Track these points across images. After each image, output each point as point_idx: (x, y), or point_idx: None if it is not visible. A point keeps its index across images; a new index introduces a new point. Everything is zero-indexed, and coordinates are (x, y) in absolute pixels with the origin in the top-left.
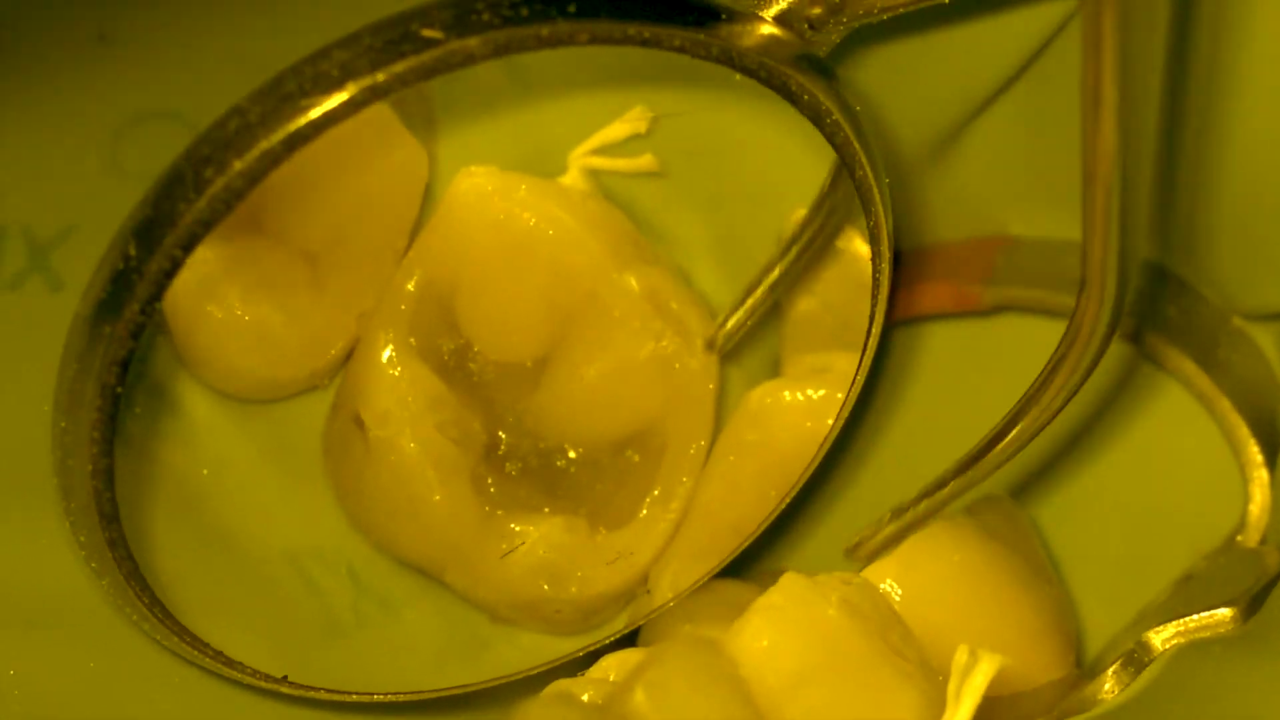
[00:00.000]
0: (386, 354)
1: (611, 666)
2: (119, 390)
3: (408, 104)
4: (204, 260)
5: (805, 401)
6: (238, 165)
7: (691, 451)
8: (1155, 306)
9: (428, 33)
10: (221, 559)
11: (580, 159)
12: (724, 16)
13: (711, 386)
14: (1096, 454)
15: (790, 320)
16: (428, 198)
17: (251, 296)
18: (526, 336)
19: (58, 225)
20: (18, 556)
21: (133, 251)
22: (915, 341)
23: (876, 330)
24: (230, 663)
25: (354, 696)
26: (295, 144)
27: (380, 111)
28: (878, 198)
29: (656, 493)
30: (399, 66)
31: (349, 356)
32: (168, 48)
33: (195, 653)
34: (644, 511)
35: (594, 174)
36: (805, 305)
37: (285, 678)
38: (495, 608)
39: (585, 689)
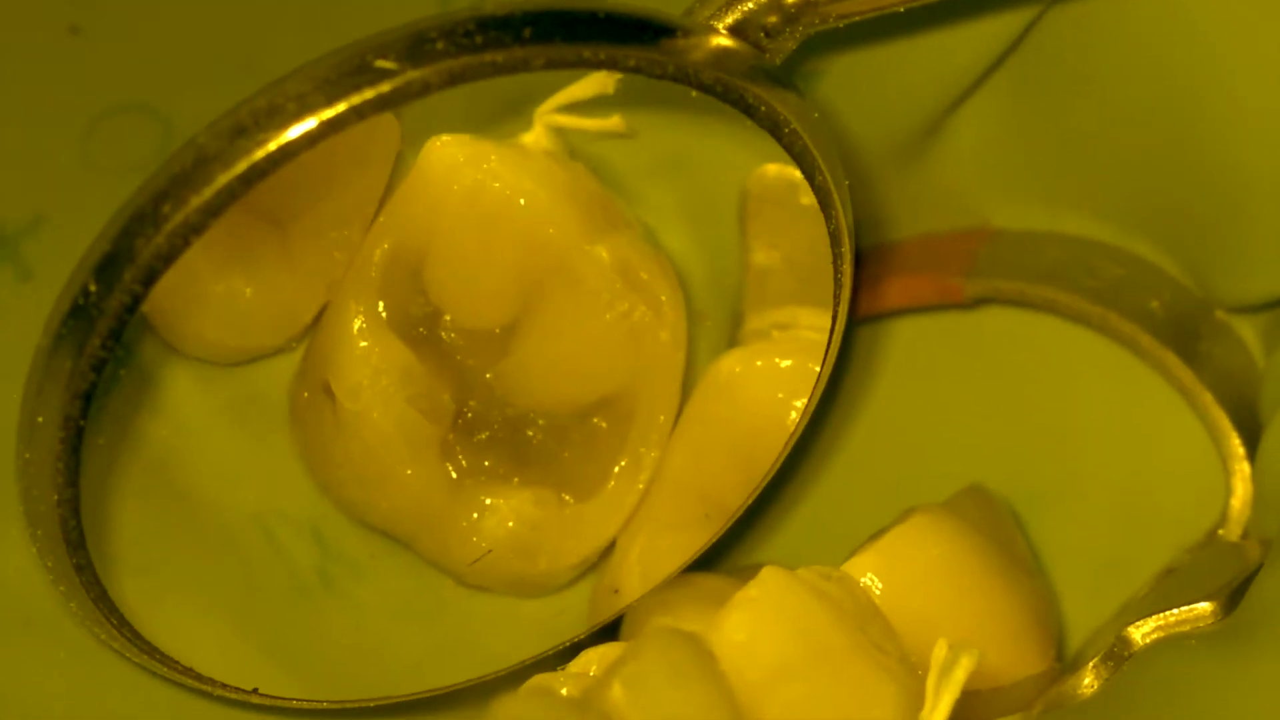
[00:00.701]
0: (357, 324)
1: (592, 660)
2: (82, 423)
3: None
4: None
5: (774, 370)
6: (195, 201)
7: (660, 420)
8: (1137, 299)
9: (382, 64)
10: (186, 521)
11: (546, 116)
12: (678, 32)
13: (681, 356)
14: (1078, 446)
15: (751, 274)
16: (398, 162)
17: (221, 267)
18: (496, 304)
19: (27, 216)
20: (10, 554)
21: (93, 288)
22: (898, 334)
23: (839, 331)
24: (200, 678)
25: (325, 704)
26: (252, 178)
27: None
28: (837, 202)
29: (624, 463)
30: (355, 99)
31: (317, 321)
32: (140, 41)
33: (166, 669)
34: (611, 483)
35: (560, 132)
36: (765, 259)
37: (255, 690)
38: (463, 575)
39: (564, 683)
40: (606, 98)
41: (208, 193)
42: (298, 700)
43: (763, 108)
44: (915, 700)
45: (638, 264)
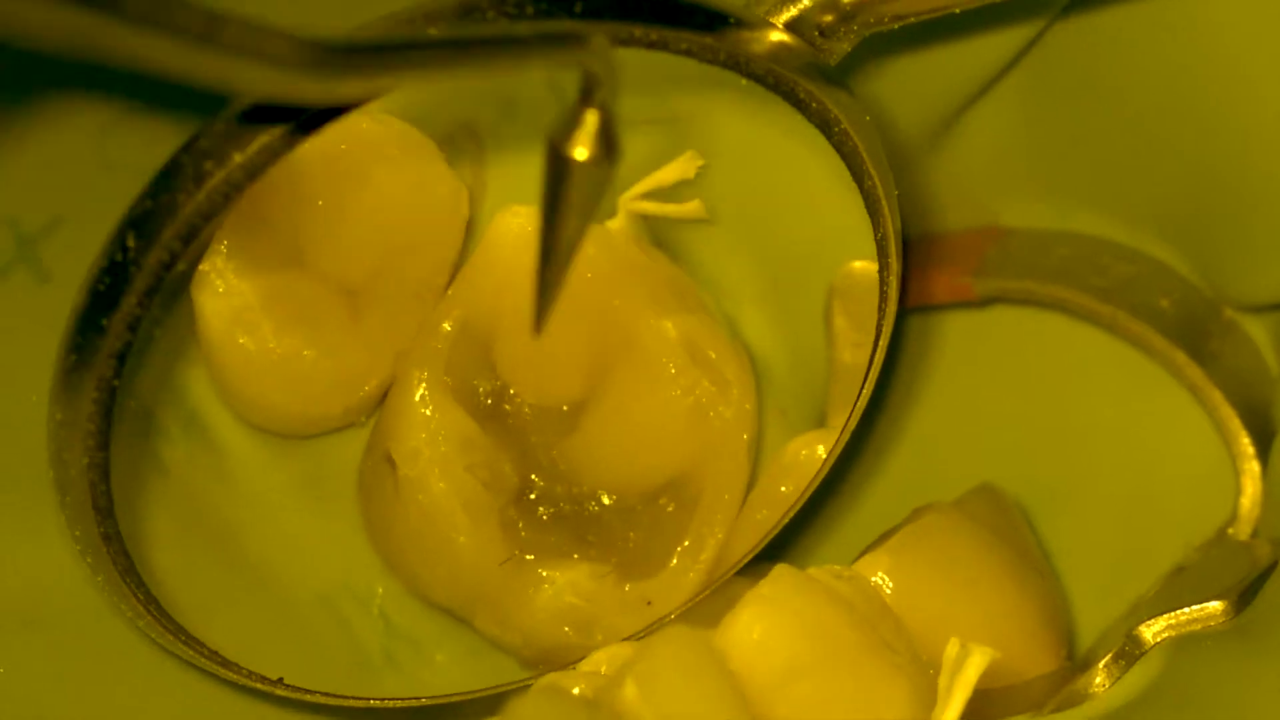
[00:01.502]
0: (420, 393)
1: (603, 660)
2: (116, 383)
3: (457, 140)
4: (240, 292)
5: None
6: (237, 158)
7: (725, 500)
8: (1147, 298)
9: (432, 31)
10: (253, 594)
11: (629, 203)
12: (733, 22)
13: (746, 436)
14: (1089, 446)
15: (836, 372)
16: (471, 235)
17: (285, 330)
18: (563, 380)
19: (45, 217)
20: (11, 554)
21: (131, 243)
22: (909, 333)
23: (884, 340)
24: (226, 663)
25: (350, 700)
26: (296, 137)
27: (419, 147)
28: (886, 209)
29: (687, 543)
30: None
31: (385, 395)
32: None
33: (191, 651)
34: (674, 561)
35: (642, 219)
36: (850, 357)
37: (281, 679)
38: (521, 652)
39: (576, 682)
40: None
41: (250, 150)
42: (321, 694)
43: (814, 104)
44: (927, 699)
45: (705, 342)
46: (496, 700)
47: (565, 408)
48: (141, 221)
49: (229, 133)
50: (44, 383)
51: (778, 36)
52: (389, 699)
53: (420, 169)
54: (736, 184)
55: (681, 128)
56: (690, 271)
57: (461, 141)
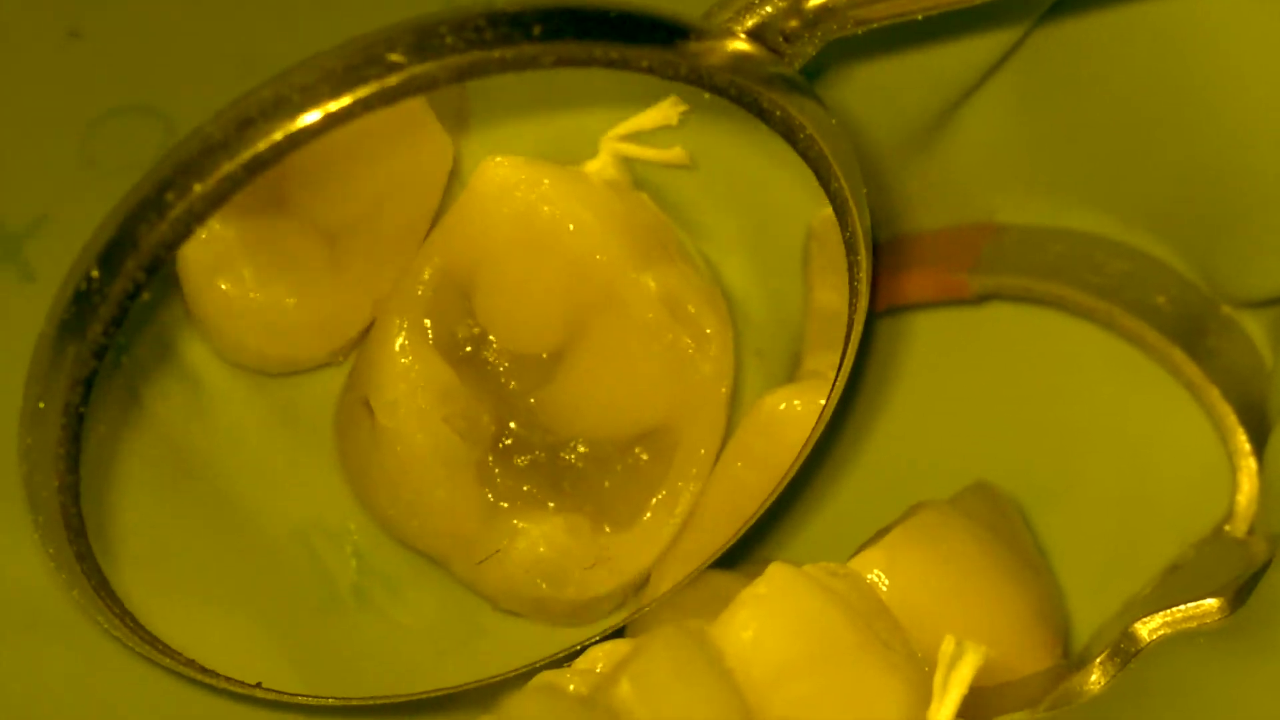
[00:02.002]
0: (399, 342)
1: (599, 657)
2: (83, 410)
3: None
4: (220, 237)
5: (818, 410)
6: (198, 189)
7: (701, 454)
8: (1143, 295)
9: (391, 57)
10: (225, 530)
11: (611, 143)
12: (692, 35)
13: (724, 390)
14: (1084, 442)
15: (813, 314)
16: (455, 181)
17: (265, 276)
18: (542, 329)
19: (30, 216)
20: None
21: (95, 274)
22: (904, 330)
23: (855, 338)
24: (203, 670)
25: (330, 700)
26: (256, 168)
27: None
28: (853, 209)
29: (662, 495)
30: (361, 91)
31: (364, 337)
32: (139, 42)
33: (169, 660)
34: (648, 515)
35: (625, 161)
36: (827, 299)
37: (259, 684)
38: (496, 599)
39: (571, 680)
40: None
41: (211, 181)
42: (302, 696)
43: (778, 113)
44: (922, 696)
45: (685, 296)
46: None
47: (544, 355)
48: (105, 252)
49: (189, 163)
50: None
51: (739, 45)
52: (368, 698)
53: (405, 117)
54: (714, 131)
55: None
56: (669, 213)
57: (445, 90)
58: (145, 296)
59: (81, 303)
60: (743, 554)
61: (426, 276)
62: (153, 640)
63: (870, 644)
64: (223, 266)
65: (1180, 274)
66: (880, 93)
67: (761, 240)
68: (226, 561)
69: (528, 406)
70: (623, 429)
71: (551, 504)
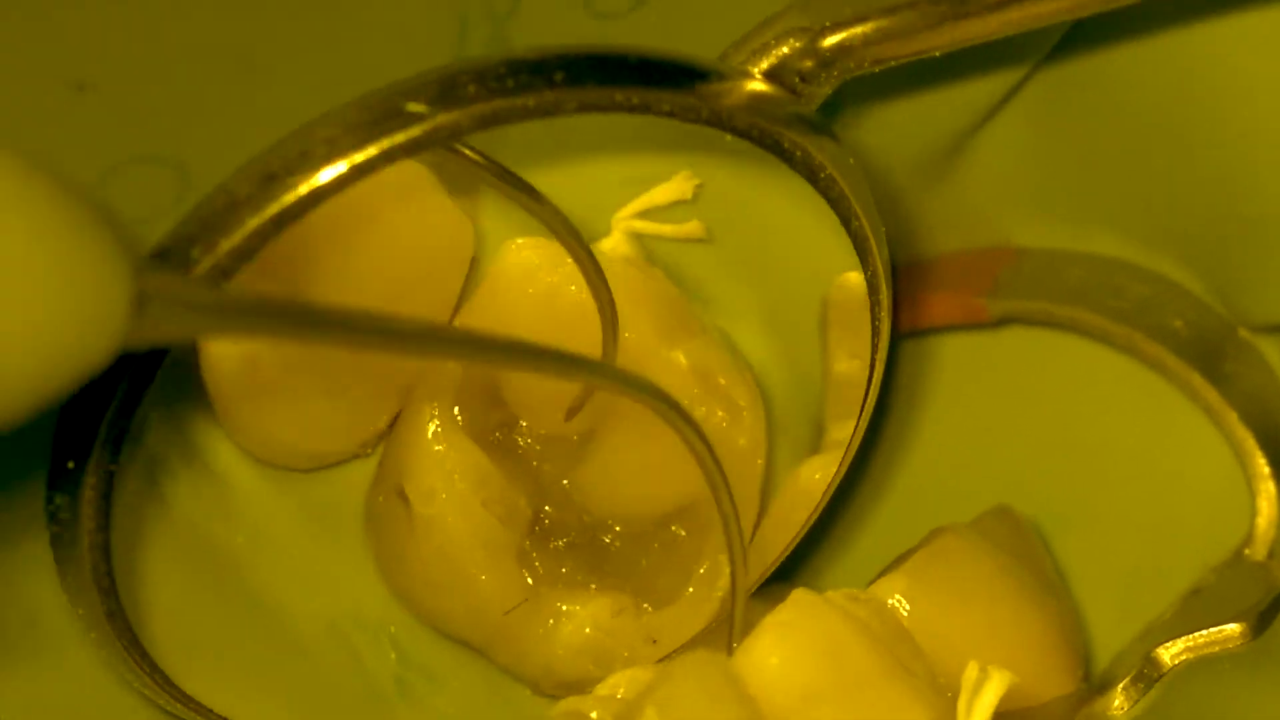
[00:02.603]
0: (432, 429)
1: (620, 683)
2: (112, 468)
3: (450, 169)
4: None
5: None
6: (224, 245)
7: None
8: (1161, 319)
9: (413, 107)
10: (260, 628)
11: (624, 222)
12: (712, 77)
13: (760, 462)
14: (1103, 466)
15: (831, 383)
16: (473, 267)
17: (293, 370)
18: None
19: None
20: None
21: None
22: (924, 354)
23: (877, 379)
24: None
25: None
26: (283, 222)
27: (424, 182)
28: (874, 248)
29: (702, 570)
30: (386, 142)
31: (393, 426)
32: (148, 93)
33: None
34: (690, 589)
35: (638, 238)
36: (846, 368)
37: None
38: (540, 683)
39: (594, 706)
40: (685, 203)
41: (237, 237)
42: None
43: (799, 153)
44: None
45: (716, 369)
46: None
47: (575, 437)
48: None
49: (215, 219)
50: None
51: (756, 86)
52: None
53: (426, 204)
54: (728, 203)
55: (672, 153)
56: (682, 288)
57: (454, 170)
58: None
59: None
60: (766, 581)
61: (454, 363)
62: (185, 699)
63: (894, 670)
64: (248, 359)
65: (1198, 297)
66: (897, 125)
67: (778, 311)
68: (264, 658)
69: (561, 489)
70: (658, 506)
71: (593, 585)
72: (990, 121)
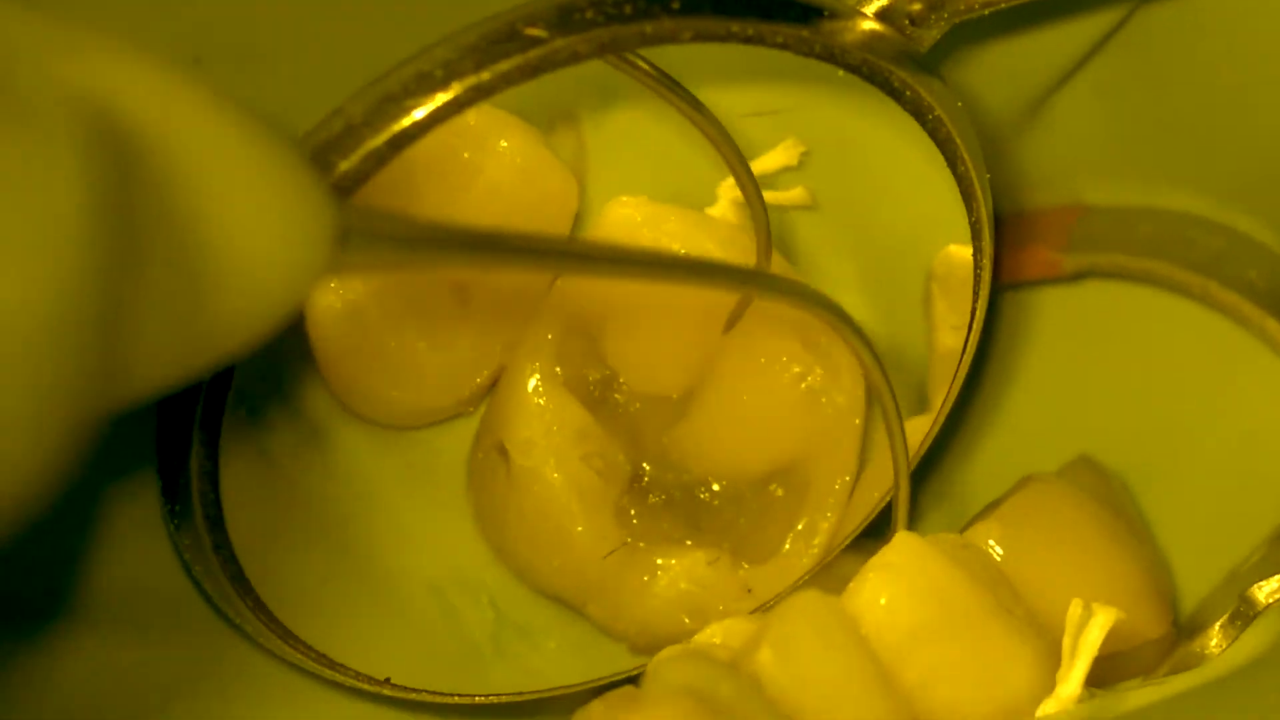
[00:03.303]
0: (532, 383)
1: (718, 632)
2: (224, 391)
3: (557, 135)
4: (351, 288)
5: None
6: (343, 166)
7: (836, 487)
8: (1236, 269)
9: (532, 31)
10: (361, 586)
11: (730, 190)
12: (826, 13)
13: (858, 421)
14: (1184, 415)
15: (936, 356)
16: (577, 227)
17: (397, 324)
18: (673, 369)
19: None
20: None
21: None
22: (1004, 308)
23: (979, 320)
24: (333, 664)
25: (456, 698)
26: (401, 144)
27: (529, 138)
28: (979, 193)
29: (800, 527)
30: (504, 65)
31: (494, 385)
32: (262, 67)
33: (299, 655)
34: (787, 545)
35: (743, 206)
36: (950, 340)
37: (388, 679)
38: (635, 640)
39: (707, 650)
40: (791, 170)
41: (355, 158)
42: (428, 693)
43: (908, 92)
44: (1049, 661)
45: (816, 327)
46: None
47: (675, 396)
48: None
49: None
50: None
51: (869, 26)
52: (494, 695)
53: (529, 160)
54: (833, 172)
55: (782, 120)
56: (787, 257)
57: (562, 132)
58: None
59: None
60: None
61: (555, 320)
62: (285, 634)
63: (996, 610)
64: (354, 315)
65: (1270, 249)
66: (985, 78)
67: (881, 281)
68: (364, 615)
69: (660, 447)
70: (757, 465)
71: (689, 541)
72: (1064, 82)
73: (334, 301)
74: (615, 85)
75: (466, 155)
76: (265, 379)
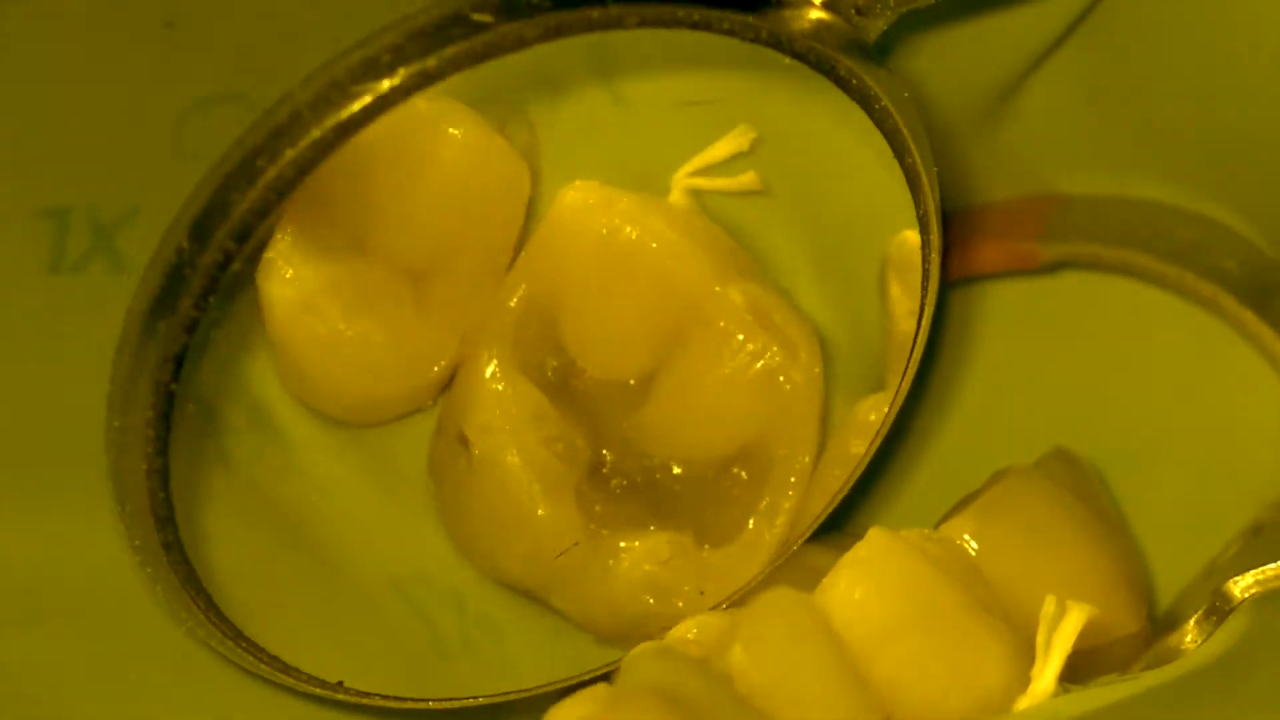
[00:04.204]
0: (490, 370)
1: (691, 626)
2: (173, 387)
3: (509, 127)
4: (307, 277)
5: None
6: (289, 154)
7: (798, 464)
8: (1213, 259)
9: (478, 16)
10: (325, 586)
11: (683, 179)
12: (773, 1)
13: (817, 400)
14: (1159, 406)
15: (893, 342)
16: (530, 215)
17: (354, 313)
18: (630, 353)
19: (122, 207)
20: (71, 549)
21: (185, 244)
22: (978, 300)
23: (927, 321)
24: (286, 668)
25: (410, 703)
26: (347, 131)
27: (480, 126)
28: (926, 185)
29: (762, 508)
30: (449, 51)
31: (452, 377)
32: (232, 32)
33: (251, 659)
34: (750, 525)
35: (697, 194)
36: (907, 326)
37: (340, 683)
38: (601, 627)
39: (678, 646)
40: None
41: (302, 145)
42: (380, 697)
43: (854, 81)
44: (1022, 658)
45: (770, 307)
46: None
47: (633, 381)
48: (196, 223)
49: (280, 128)
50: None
51: (816, 14)
52: (449, 700)
53: (482, 147)
54: (785, 159)
55: (729, 107)
56: (745, 244)
57: (514, 126)
58: (235, 267)
59: (172, 275)
60: (831, 529)
61: (513, 306)
62: (237, 636)
63: (971, 606)
64: (310, 305)
65: (1247, 239)
66: (948, 67)
67: (834, 266)
68: (327, 614)
69: (620, 432)
70: (718, 448)
71: (652, 526)
72: (1036, 70)
73: (291, 294)
74: (565, 78)
75: (419, 143)
76: (219, 375)
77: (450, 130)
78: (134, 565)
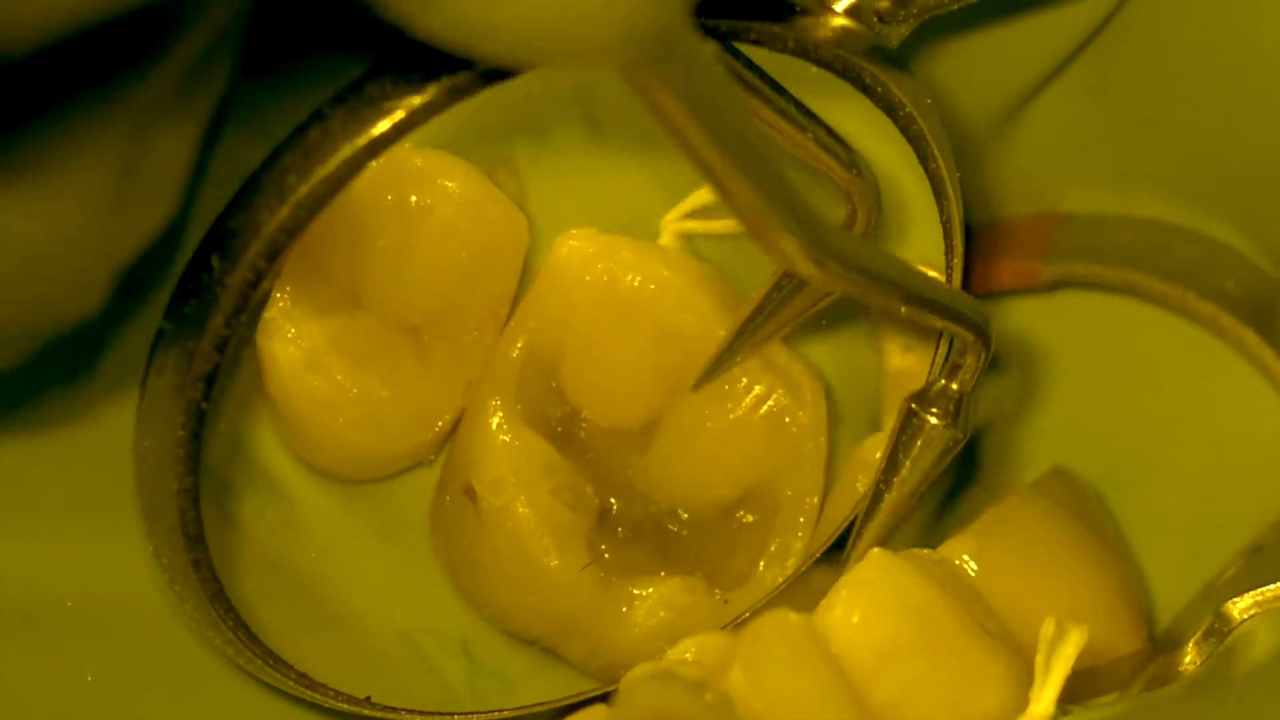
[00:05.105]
0: (495, 421)
1: (690, 647)
2: (204, 405)
3: (496, 175)
4: (309, 335)
5: None
6: (320, 173)
7: (806, 507)
8: (1213, 279)
9: None
10: (333, 641)
11: (673, 223)
12: (798, 9)
13: (823, 439)
14: (1160, 426)
15: (887, 379)
16: (525, 265)
17: (356, 369)
18: (634, 401)
19: None
20: (99, 568)
21: (215, 263)
22: None
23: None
24: (313, 684)
25: (436, 717)
26: (378, 148)
27: (476, 177)
28: (950, 190)
29: (773, 549)
30: (447, 83)
31: (455, 429)
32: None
33: (278, 675)
34: (761, 567)
35: (687, 238)
36: (901, 363)
37: (368, 698)
38: (612, 675)
39: (677, 668)
40: None
41: (333, 164)
42: (406, 712)
43: (879, 88)
44: (1021, 678)
45: (773, 348)
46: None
47: (637, 428)
48: (225, 241)
49: (310, 146)
50: None
51: (840, 22)
52: (471, 713)
53: (478, 199)
54: None
55: None
56: (735, 287)
57: (501, 173)
58: (265, 287)
59: (202, 294)
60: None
61: (514, 356)
62: (265, 654)
63: (970, 627)
64: (313, 363)
65: (1248, 259)
66: (966, 74)
67: (827, 310)
68: (337, 669)
69: (625, 479)
70: (724, 491)
71: (662, 571)
72: (1041, 91)
73: (293, 352)
74: (550, 124)
75: (414, 198)
76: (227, 442)
77: (446, 183)
78: (162, 584)
